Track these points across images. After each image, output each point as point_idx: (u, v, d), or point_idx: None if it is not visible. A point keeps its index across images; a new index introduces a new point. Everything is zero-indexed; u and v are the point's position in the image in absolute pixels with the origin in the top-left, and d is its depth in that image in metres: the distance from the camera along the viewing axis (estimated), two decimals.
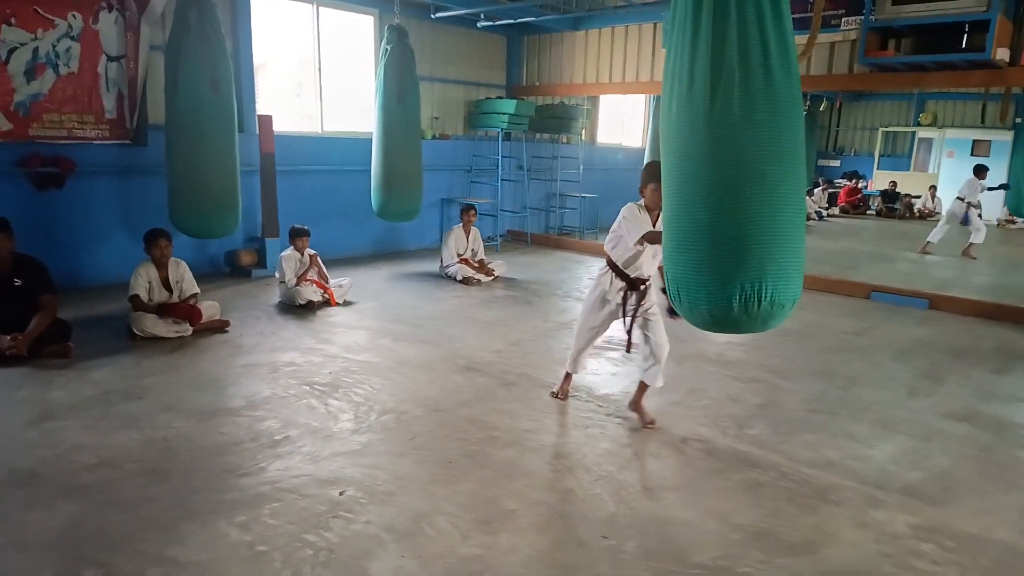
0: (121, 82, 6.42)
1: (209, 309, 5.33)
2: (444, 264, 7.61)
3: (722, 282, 2.47)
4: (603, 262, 3.89)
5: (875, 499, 3.14)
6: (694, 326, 2.75)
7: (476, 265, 7.58)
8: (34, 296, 4.59)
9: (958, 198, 10.36)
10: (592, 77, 9.72)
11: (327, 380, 4.38)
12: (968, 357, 5.38)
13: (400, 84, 7.01)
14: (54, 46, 5.98)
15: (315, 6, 8.06)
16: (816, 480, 3.30)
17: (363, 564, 2.54)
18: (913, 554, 2.73)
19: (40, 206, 6.12)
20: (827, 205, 16.31)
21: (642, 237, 3.49)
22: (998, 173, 11.78)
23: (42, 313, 4.57)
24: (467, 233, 7.68)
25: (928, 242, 10.53)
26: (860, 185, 17.21)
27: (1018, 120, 11.88)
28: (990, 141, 15.92)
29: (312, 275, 6.23)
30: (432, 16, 8.80)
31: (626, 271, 3.71)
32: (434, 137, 9.38)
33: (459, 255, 7.57)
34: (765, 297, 2.45)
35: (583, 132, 11.22)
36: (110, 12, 6.25)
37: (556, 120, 10.35)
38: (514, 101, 9.52)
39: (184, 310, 5.15)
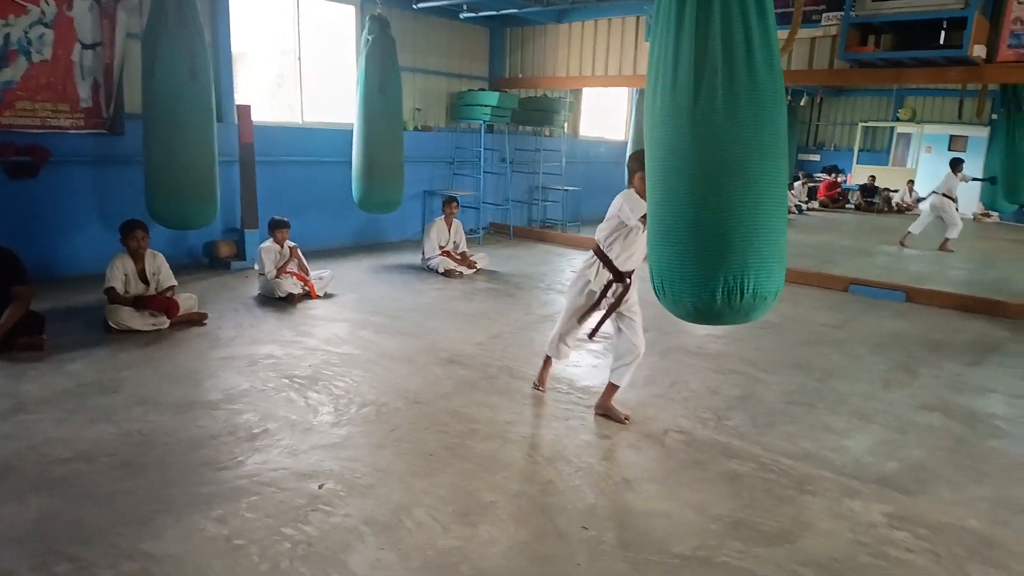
0: (96, 70, 6.31)
1: (187, 301, 5.26)
2: (426, 256, 7.58)
3: (706, 275, 2.50)
4: (587, 254, 3.88)
5: (851, 489, 3.18)
6: (678, 318, 2.77)
7: (458, 258, 7.56)
8: (7, 287, 4.49)
9: (934, 192, 10.56)
10: (575, 70, 9.71)
11: (307, 373, 4.34)
12: (943, 349, 5.46)
13: (382, 75, 6.95)
14: (26, 32, 5.85)
15: None
16: (794, 471, 3.34)
17: (342, 557, 2.52)
18: (888, 542, 2.77)
19: (14, 196, 6.01)
20: (807, 199, 16.47)
21: (645, 215, 3.46)
22: (975, 168, 11.96)
23: (15, 304, 4.48)
24: (449, 225, 7.65)
25: (908, 233, 10.73)
26: (839, 179, 17.38)
27: (994, 116, 12.04)
28: (967, 137, 16.15)
29: (292, 267, 6.18)
30: (414, 6, 8.73)
31: (615, 262, 3.70)
32: (416, 129, 9.32)
33: (441, 247, 7.54)
34: (748, 290, 2.48)
35: (566, 125, 11.21)
36: None
37: (539, 113, 10.33)
38: (497, 93, 9.49)
39: (161, 302, 5.08)
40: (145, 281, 5.18)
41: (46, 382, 4.02)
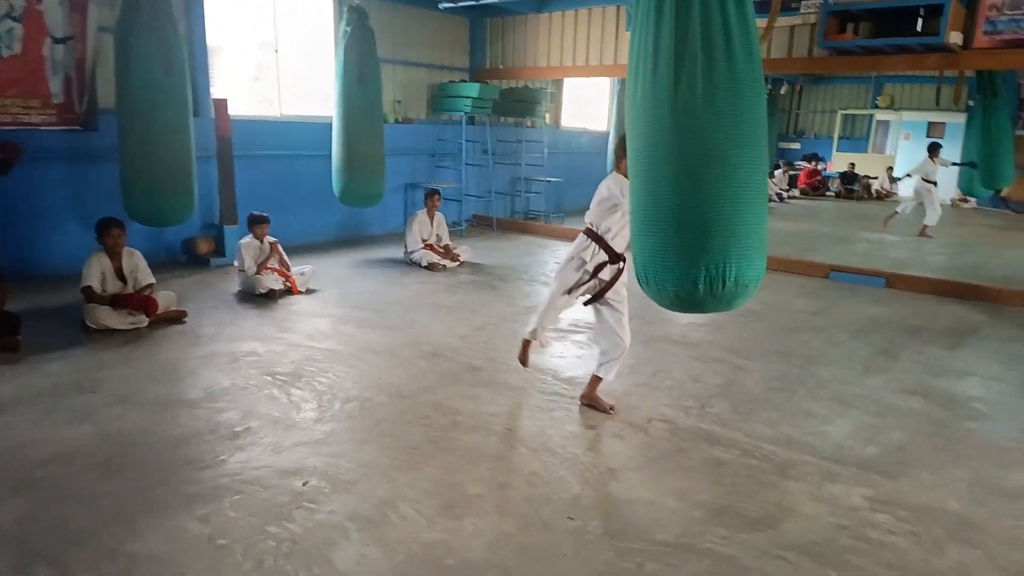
0: (68, 65, 6.18)
1: (165, 299, 5.19)
2: (408, 250, 7.54)
3: (688, 265, 2.54)
4: (577, 239, 3.77)
5: (832, 473, 3.22)
6: (661, 307, 2.80)
7: (441, 251, 7.53)
8: None
9: (908, 175, 10.80)
10: (556, 60, 9.67)
11: (289, 369, 4.31)
12: (922, 334, 5.53)
13: (361, 67, 6.88)
14: None
15: None
16: (775, 456, 3.37)
17: (327, 554, 2.51)
18: (869, 525, 2.80)
19: None
20: (788, 187, 16.57)
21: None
22: (953, 155, 12.12)
23: None
24: (431, 218, 7.62)
25: (895, 213, 10.88)
26: (820, 167, 17.51)
27: (971, 103, 12.18)
28: (945, 123, 16.33)
29: (273, 263, 6.12)
30: None
31: (610, 243, 3.63)
32: (397, 121, 9.26)
33: (424, 241, 7.51)
34: (729, 278, 2.53)
35: (547, 116, 11.19)
36: None
37: (520, 104, 10.29)
38: (477, 84, 9.44)
39: (139, 301, 5.01)
40: (123, 279, 5.10)
41: (22, 383, 3.95)
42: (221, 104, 6.99)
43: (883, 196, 16.28)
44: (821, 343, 5.22)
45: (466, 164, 9.81)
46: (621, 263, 3.67)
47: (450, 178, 9.91)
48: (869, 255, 8.92)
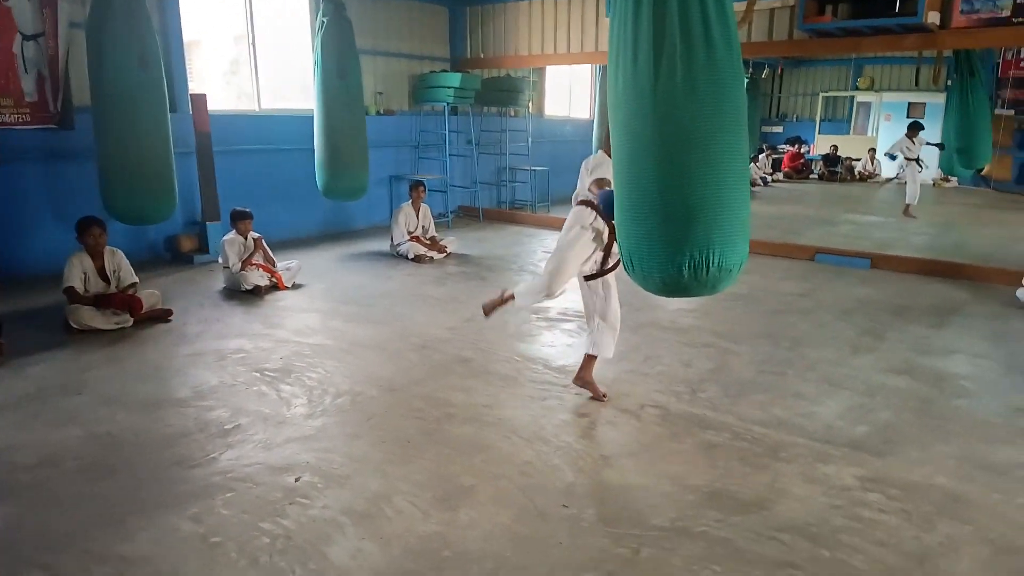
0: (40, 62, 6.06)
1: (149, 298, 5.12)
2: (395, 243, 7.50)
3: (672, 251, 2.58)
4: (571, 218, 3.61)
5: (823, 454, 3.24)
6: (648, 293, 2.84)
7: (428, 242, 7.49)
8: None
9: (887, 153, 10.87)
10: (537, 48, 9.61)
11: (278, 365, 4.28)
12: (907, 313, 5.58)
13: (340, 58, 6.80)
14: None
15: None
16: (767, 439, 3.39)
17: (322, 549, 2.50)
18: (861, 504, 2.83)
19: None
20: (771, 171, 16.63)
21: (603, 180, 3.40)
22: (933, 134, 12.20)
23: None
24: (417, 210, 7.57)
25: (907, 205, 10.59)
26: (803, 150, 17.58)
27: (949, 82, 12.27)
28: (925, 103, 16.43)
29: (258, 259, 6.05)
30: None
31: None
32: (378, 113, 9.17)
33: (410, 233, 7.46)
34: (713, 263, 2.58)
35: (531, 104, 11.13)
36: None
37: (503, 93, 10.23)
38: (459, 74, 9.36)
39: (123, 300, 4.94)
40: (105, 279, 5.03)
41: (6, 387, 3.89)
42: (199, 99, 6.89)
43: (866, 177, 16.38)
44: (808, 325, 5.25)
45: (450, 155, 9.75)
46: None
47: (434, 169, 9.85)
48: (854, 237, 8.98)
